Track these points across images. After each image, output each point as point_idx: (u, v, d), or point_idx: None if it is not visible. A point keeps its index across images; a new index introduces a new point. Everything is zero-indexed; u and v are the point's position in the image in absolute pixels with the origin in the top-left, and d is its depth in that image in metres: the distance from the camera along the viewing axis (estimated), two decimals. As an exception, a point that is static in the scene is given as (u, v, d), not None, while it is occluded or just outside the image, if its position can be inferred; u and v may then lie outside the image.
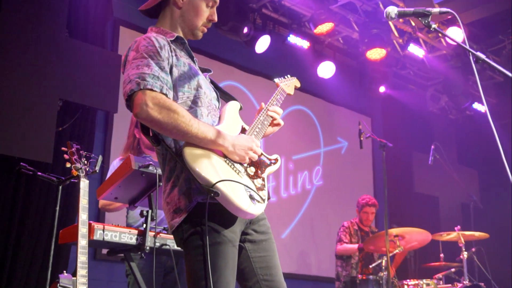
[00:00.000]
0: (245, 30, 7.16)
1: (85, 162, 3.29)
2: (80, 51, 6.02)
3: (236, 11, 7.07)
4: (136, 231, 3.64)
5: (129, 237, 3.62)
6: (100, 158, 3.37)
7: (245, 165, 2.50)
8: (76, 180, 3.23)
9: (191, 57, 2.69)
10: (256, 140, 2.54)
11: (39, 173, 3.34)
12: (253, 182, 2.48)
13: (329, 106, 9.25)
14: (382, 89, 8.66)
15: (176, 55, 2.55)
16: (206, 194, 2.31)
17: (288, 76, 3.17)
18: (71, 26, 6.11)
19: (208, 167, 2.34)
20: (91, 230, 3.46)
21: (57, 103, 5.78)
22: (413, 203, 9.55)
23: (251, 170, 2.51)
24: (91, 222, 3.48)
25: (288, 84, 3.08)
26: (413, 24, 8.21)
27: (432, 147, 6.99)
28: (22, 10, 5.59)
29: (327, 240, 8.32)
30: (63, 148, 3.26)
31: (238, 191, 2.36)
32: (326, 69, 8.37)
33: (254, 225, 2.61)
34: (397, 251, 5.99)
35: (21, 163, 3.34)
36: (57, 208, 3.32)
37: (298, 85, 3.19)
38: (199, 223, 2.38)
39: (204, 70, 2.79)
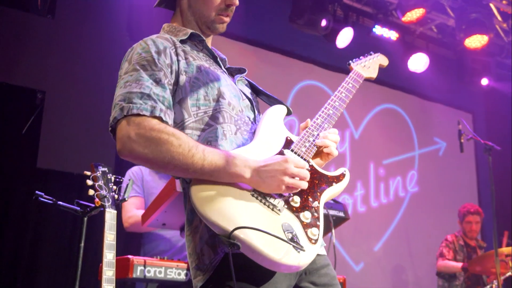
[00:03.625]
0: (323, 23, 6.45)
1: (114, 188, 2.72)
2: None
3: (313, 3, 6.41)
4: (185, 265, 3.11)
5: (176, 272, 3.10)
6: (131, 182, 2.80)
7: (287, 194, 1.80)
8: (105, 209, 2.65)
9: (214, 58, 2.09)
10: (296, 159, 1.80)
11: (60, 203, 2.81)
12: (297, 217, 1.77)
13: (423, 103, 8.38)
14: (484, 81, 7.76)
15: (186, 58, 1.95)
16: (230, 246, 1.64)
17: (371, 53, 2.38)
18: (131, 28, 5.65)
19: (224, 209, 1.68)
20: (130, 266, 3.00)
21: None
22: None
23: (295, 201, 1.80)
24: (129, 256, 3.02)
25: (367, 64, 2.29)
26: (520, 5, 7.14)
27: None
28: (77, 14, 5.20)
29: (426, 254, 7.44)
30: (85, 172, 2.71)
31: (269, 236, 1.67)
32: (418, 62, 7.54)
33: (313, 276, 1.91)
34: (509, 273, 5.04)
35: (36, 192, 2.81)
36: (82, 244, 2.77)
37: (385, 63, 2.37)
38: (228, 285, 1.72)
39: (238, 71, 2.18)
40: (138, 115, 1.74)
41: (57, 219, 4.98)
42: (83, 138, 5.10)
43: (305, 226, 1.75)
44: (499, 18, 7.48)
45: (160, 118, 1.77)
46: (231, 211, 1.68)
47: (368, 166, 7.62)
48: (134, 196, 3.87)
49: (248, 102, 2.05)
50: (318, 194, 1.85)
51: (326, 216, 3.98)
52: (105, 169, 2.75)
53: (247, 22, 6.30)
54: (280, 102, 2.13)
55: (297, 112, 6.74)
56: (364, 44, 7.19)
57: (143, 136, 1.71)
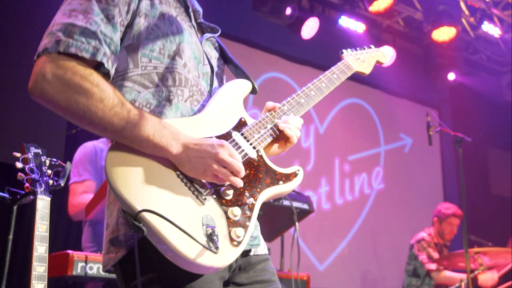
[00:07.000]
0: (288, 11, 6.23)
1: (48, 172, 2.40)
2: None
3: (277, -10, 6.15)
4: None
5: (123, 270, 2.76)
6: (69, 165, 2.48)
7: (219, 183, 1.55)
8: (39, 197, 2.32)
9: (186, 7, 1.80)
10: (230, 148, 1.53)
11: (-18, 188, 2.48)
12: (224, 212, 1.52)
13: (389, 98, 8.23)
14: (451, 76, 7.65)
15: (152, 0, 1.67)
16: (133, 230, 1.40)
17: (372, 46, 2.13)
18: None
19: (138, 185, 1.44)
20: (69, 262, 2.71)
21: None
22: (490, 207, 8.39)
23: (227, 193, 1.55)
24: (69, 251, 2.74)
25: (363, 58, 2.04)
26: (487, -2, 7.03)
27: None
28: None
29: (392, 252, 7.29)
30: (14, 154, 2.39)
31: (185, 227, 1.42)
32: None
33: (248, 272, 1.69)
34: (479, 271, 4.86)
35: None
36: (10, 237, 2.43)
37: (384, 60, 2.12)
38: (151, 269, 1.49)
39: (210, 29, 1.89)
40: (75, 56, 1.47)
41: None
42: (21, 121, 4.68)
43: (231, 224, 1.50)
44: (467, 12, 7.37)
45: (101, 64, 1.51)
46: (146, 189, 1.43)
47: (333, 162, 7.41)
48: (86, 179, 3.46)
49: (209, 70, 1.77)
50: (258, 190, 1.60)
51: (289, 208, 3.73)
52: (39, 150, 2.43)
53: (208, 8, 6.00)
54: (248, 77, 1.87)
55: (260, 105, 6.48)
56: (330, 36, 6.99)
57: (61, 78, 1.44)
